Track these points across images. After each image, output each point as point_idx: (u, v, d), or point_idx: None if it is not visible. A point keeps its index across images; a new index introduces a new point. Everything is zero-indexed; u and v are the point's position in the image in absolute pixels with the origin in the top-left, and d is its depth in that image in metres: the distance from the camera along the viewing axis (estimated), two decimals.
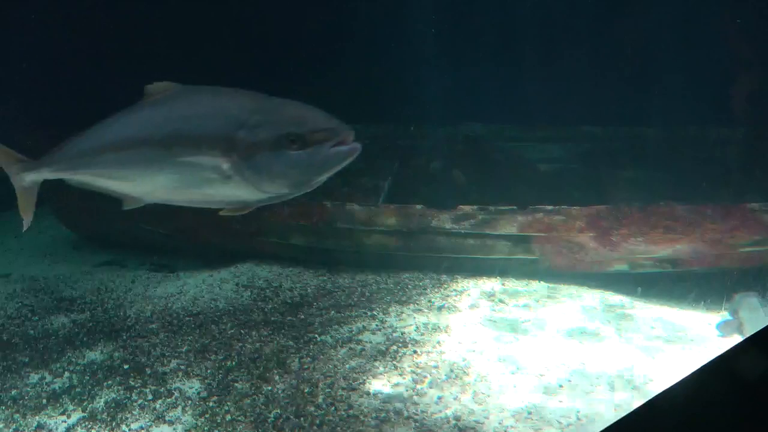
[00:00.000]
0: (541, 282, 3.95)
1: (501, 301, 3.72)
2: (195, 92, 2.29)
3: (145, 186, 2.35)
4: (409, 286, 3.93)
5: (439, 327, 3.43)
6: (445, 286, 3.93)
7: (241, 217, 4.38)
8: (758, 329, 3.22)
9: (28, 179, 2.53)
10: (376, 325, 3.47)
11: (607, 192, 4.45)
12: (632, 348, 3.19)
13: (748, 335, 3.18)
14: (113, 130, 2.38)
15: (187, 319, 3.70)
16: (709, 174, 4.28)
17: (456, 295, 3.79)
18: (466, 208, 4.01)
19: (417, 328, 3.42)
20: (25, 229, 2.63)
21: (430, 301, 3.74)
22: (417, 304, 3.71)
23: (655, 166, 4.55)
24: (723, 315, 3.44)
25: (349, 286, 3.97)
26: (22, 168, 2.52)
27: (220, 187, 2.22)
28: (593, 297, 3.79)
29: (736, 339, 3.22)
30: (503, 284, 3.93)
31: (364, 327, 3.46)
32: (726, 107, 4.45)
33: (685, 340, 3.27)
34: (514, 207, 3.94)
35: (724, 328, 3.29)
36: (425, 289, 3.88)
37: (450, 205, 4.08)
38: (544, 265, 3.96)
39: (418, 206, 4.09)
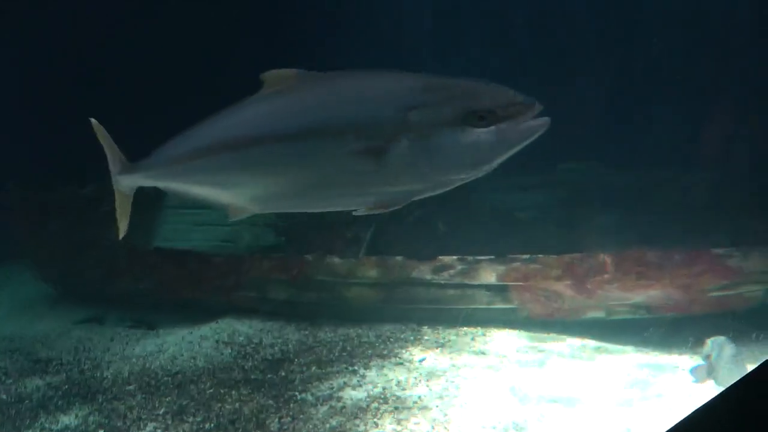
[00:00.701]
0: (521, 331, 3.99)
1: (482, 353, 3.75)
2: (332, 77, 1.98)
3: (264, 190, 2.04)
4: (391, 339, 3.94)
5: (419, 381, 3.43)
6: (426, 338, 3.95)
7: (221, 272, 4.46)
8: (728, 374, 3.27)
9: (123, 183, 2.37)
10: (357, 381, 3.46)
11: (583, 238, 4.56)
12: (610, 396, 3.22)
13: (720, 380, 3.25)
14: (226, 127, 2.05)
15: (166, 378, 3.65)
16: (680, 218, 4.42)
17: (437, 348, 3.81)
18: (446, 259, 4.07)
19: (398, 382, 3.42)
20: (120, 236, 2.43)
21: (411, 354, 3.75)
22: (398, 357, 3.72)
23: (629, 210, 4.68)
24: (696, 360, 3.50)
25: (330, 341, 3.96)
26: (120, 170, 2.37)
27: (369, 181, 1.91)
28: (571, 345, 3.83)
29: (708, 384, 3.28)
30: (484, 334, 3.96)
31: (345, 383, 3.45)
32: (696, 153, 4.64)
33: (661, 386, 3.32)
34: (492, 257, 4.01)
35: (696, 373, 3.34)
36: (406, 341, 3.90)
37: (430, 255, 4.14)
38: (523, 314, 4.01)
39: (398, 258, 4.14)
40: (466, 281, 4.04)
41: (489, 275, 4.00)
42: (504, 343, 3.88)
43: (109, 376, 3.74)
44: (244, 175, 2.05)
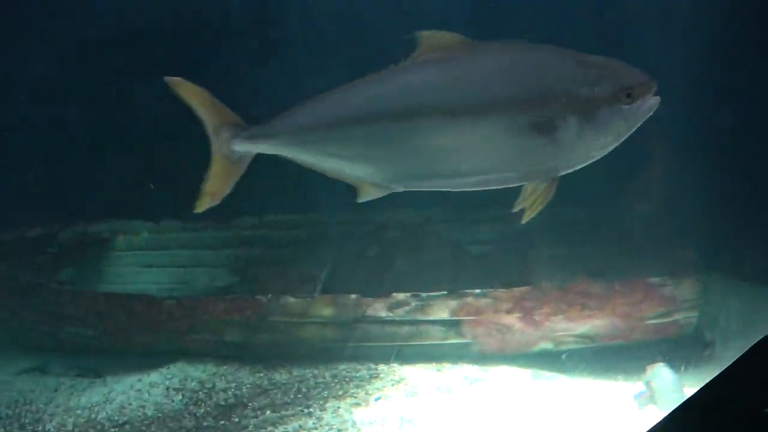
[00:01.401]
0: (475, 365, 4.08)
1: (437, 388, 3.81)
2: (492, 48, 1.88)
3: (413, 166, 1.90)
4: (347, 379, 3.95)
5: (375, 421, 3.45)
6: (382, 376, 3.98)
7: (172, 315, 4.37)
8: (668, 399, 3.45)
9: (238, 149, 2.04)
10: (313, 424, 3.44)
11: (533, 271, 4.73)
12: (558, 424, 3.33)
13: (660, 405, 3.42)
14: (378, 95, 1.87)
15: (113, 430, 3.53)
16: (622, 249, 4.67)
17: (393, 385, 3.85)
18: (400, 296, 4.14)
19: (354, 423, 3.43)
20: (200, 210, 2.07)
21: (367, 393, 3.77)
22: (354, 397, 3.73)
23: (576, 242, 4.90)
24: (639, 386, 3.67)
25: (286, 383, 3.94)
26: (235, 134, 2.04)
27: (535, 154, 1.84)
28: (523, 377, 3.95)
29: (651, 409, 3.44)
30: (439, 370, 4.03)
31: (300, 426, 3.42)
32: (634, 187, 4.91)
33: (606, 413, 3.46)
34: (446, 292, 4.11)
35: (640, 399, 3.51)
36: (362, 380, 3.92)
37: (384, 292, 4.21)
38: (476, 349, 4.11)
39: (353, 296, 4.18)
40: (420, 317, 4.12)
41: (442, 311, 4.09)
42: (458, 378, 3.95)
43: (51, 430, 3.59)
44: (392, 149, 1.87)
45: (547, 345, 4.05)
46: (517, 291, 4.03)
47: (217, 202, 2.16)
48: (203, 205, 2.18)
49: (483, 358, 4.11)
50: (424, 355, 4.13)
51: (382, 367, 4.08)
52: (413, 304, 4.13)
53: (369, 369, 4.05)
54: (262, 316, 4.26)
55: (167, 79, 2.06)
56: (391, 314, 4.14)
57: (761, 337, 1.45)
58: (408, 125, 1.83)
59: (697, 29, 4.34)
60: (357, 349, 4.17)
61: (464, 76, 1.83)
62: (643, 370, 3.70)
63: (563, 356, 3.98)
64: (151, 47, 5.46)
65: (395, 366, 4.07)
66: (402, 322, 4.13)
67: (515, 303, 4.01)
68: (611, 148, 1.95)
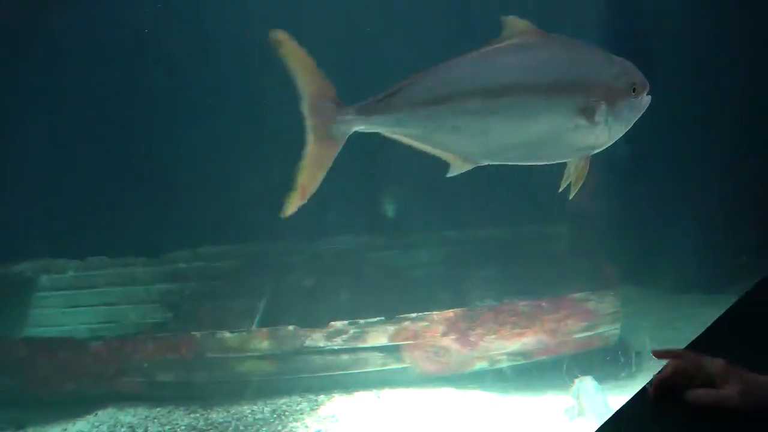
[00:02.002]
0: (414, 389, 4.14)
1: (376, 416, 3.83)
2: (553, 39, 2.08)
3: (498, 139, 2.02)
4: (286, 413, 3.90)
5: None
6: (323, 407, 3.96)
7: (100, 358, 4.18)
8: (595, 411, 3.62)
9: (338, 130, 1.93)
10: None
11: (467, 293, 4.87)
12: None
13: (588, 417, 3.60)
14: (478, 73, 2.00)
15: None
16: (547, 267, 4.89)
17: (333, 417, 3.84)
18: (338, 324, 4.15)
19: None
20: (290, 211, 1.86)
21: (306, 427, 3.73)
22: None
23: (505, 263, 5.08)
24: (568, 400, 3.84)
25: (223, 422, 3.84)
26: (335, 113, 1.92)
27: (583, 135, 2.08)
28: (463, 398, 4.04)
29: (580, 422, 3.61)
30: (379, 397, 4.05)
31: None
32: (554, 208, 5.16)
33: (542, 429, 3.60)
34: (383, 318, 4.16)
35: (570, 413, 3.67)
36: (302, 413, 3.88)
37: (322, 322, 4.21)
38: (416, 372, 4.17)
39: (290, 327, 4.16)
40: (359, 345, 4.14)
41: (381, 337, 4.14)
42: (399, 403, 3.99)
43: None
44: (486, 123, 2.00)
45: (484, 364, 4.17)
46: (452, 313, 4.14)
47: (306, 199, 1.98)
48: (294, 203, 2.01)
49: (422, 381, 4.18)
50: (364, 382, 4.15)
51: (322, 398, 4.06)
52: (352, 331, 4.15)
53: (309, 401, 4.02)
54: (198, 353, 4.15)
55: (271, 31, 1.88)
56: (329, 343, 4.14)
57: (684, 342, 1.59)
58: (504, 101, 2.04)
59: None
60: (297, 381, 4.14)
61: (543, 61, 2.08)
62: (571, 383, 3.88)
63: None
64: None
65: (335, 396, 4.06)
66: (341, 351, 4.14)
67: (450, 325, 4.11)
68: (619, 136, 2.22)
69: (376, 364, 4.15)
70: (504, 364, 4.15)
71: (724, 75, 4.32)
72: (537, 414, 3.77)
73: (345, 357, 4.15)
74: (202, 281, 5.44)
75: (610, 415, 1.42)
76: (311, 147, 1.99)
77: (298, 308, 4.62)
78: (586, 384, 3.64)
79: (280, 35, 1.86)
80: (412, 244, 5.51)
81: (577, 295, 4.08)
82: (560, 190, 2.20)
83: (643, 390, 1.48)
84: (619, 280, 4.25)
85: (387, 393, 4.09)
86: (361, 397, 4.05)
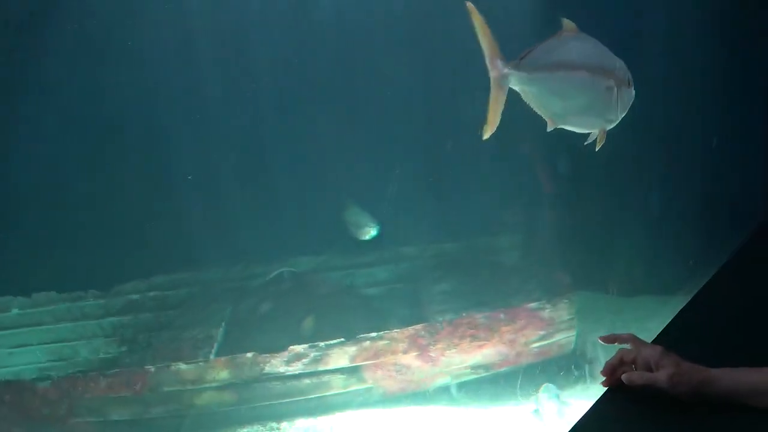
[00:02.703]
0: (379, 409, 4.12)
1: None
2: (588, 36, 2.67)
3: (567, 108, 2.64)
4: None
5: None
6: None
7: (48, 399, 4.00)
8: (556, 417, 3.69)
9: (505, 80, 2.51)
10: None
11: (426, 307, 4.90)
12: None
13: (550, 424, 3.67)
14: (561, 50, 2.59)
15: None
16: (502, 278, 4.98)
17: None
18: (297, 348, 4.10)
19: None
20: (487, 135, 2.51)
21: None
22: None
23: (461, 276, 5.14)
24: (530, 408, 3.91)
25: None
26: (503, 67, 2.50)
27: (607, 110, 2.66)
28: (425, 413, 4.05)
29: (544, 430, 3.67)
30: (342, 420, 4.02)
31: None
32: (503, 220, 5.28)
33: None
34: (343, 339, 4.14)
35: (534, 418, 3.73)
36: None
37: (281, 347, 4.15)
38: (379, 392, 4.16)
39: (249, 354, 4.08)
40: (321, 368, 4.10)
41: (342, 358, 4.11)
42: (363, 424, 3.96)
43: None
44: (565, 92, 2.61)
45: (446, 379, 4.20)
46: (412, 329, 4.16)
47: (494, 130, 2.57)
48: (488, 131, 2.60)
49: (386, 400, 4.16)
50: (327, 406, 4.11)
51: (284, 424, 3.99)
52: (312, 355, 4.11)
53: (271, 429, 3.94)
54: (153, 387, 4.03)
55: (468, 3, 2.47)
56: (290, 368, 4.08)
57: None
58: (578, 75, 2.64)
59: None
60: (258, 409, 4.06)
61: (589, 49, 2.69)
62: (532, 391, 3.95)
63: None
64: None
65: (298, 421, 4.00)
66: (302, 375, 4.09)
67: (410, 341, 4.12)
68: (621, 117, 2.75)
69: (337, 386, 4.11)
70: (467, 377, 4.18)
71: (667, 81, 4.50)
72: (501, 424, 3.81)
73: (306, 381, 4.10)
74: (156, 312, 5.29)
75: (569, 419, 1.48)
76: (493, 92, 2.58)
77: (257, 334, 4.55)
78: (547, 391, 3.72)
79: (470, 6, 2.48)
80: (372, 262, 5.52)
81: (532, 304, 4.17)
82: (585, 143, 2.78)
83: (606, 393, 1.56)
84: (572, 287, 4.36)
85: (350, 416, 4.05)
86: (324, 420, 4.00)
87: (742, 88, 4.39)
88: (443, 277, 5.03)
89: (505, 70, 2.53)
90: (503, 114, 2.53)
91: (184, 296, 5.40)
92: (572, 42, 2.64)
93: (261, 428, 3.97)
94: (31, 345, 5.25)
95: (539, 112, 2.65)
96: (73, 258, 5.34)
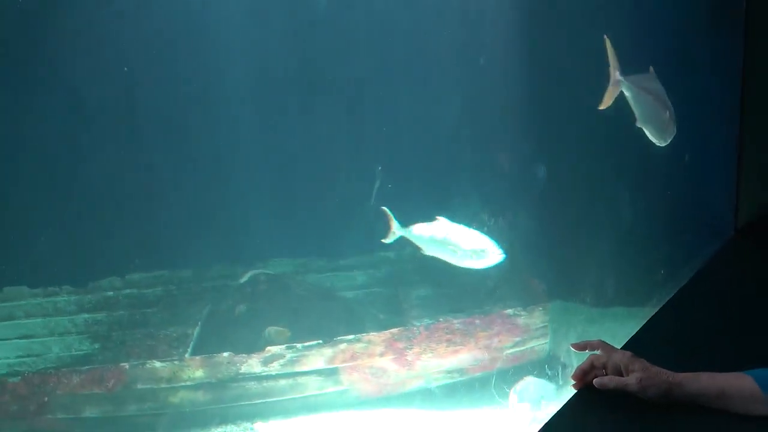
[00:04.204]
0: (354, 411, 4.14)
1: None
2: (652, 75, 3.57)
3: (640, 115, 3.50)
4: None
5: None
6: None
7: (18, 395, 3.92)
8: (528, 417, 3.72)
9: (620, 83, 3.45)
10: None
11: (403, 313, 4.93)
12: None
13: (521, 425, 3.73)
14: (648, 81, 3.49)
15: None
16: (479, 284, 5.04)
17: None
18: (274, 349, 4.10)
19: None
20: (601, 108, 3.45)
21: None
22: None
23: (439, 282, 5.20)
24: (506, 409, 3.97)
25: None
26: (620, 75, 3.46)
27: (658, 129, 3.56)
28: (400, 416, 4.08)
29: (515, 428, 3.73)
30: (316, 422, 4.02)
31: None
32: None
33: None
34: (320, 341, 4.15)
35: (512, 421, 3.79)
36: None
37: (258, 347, 4.14)
38: (354, 394, 4.18)
39: (225, 354, 4.07)
40: (297, 369, 4.11)
41: (318, 360, 4.13)
42: (338, 426, 3.98)
43: None
44: (642, 106, 3.51)
45: (421, 383, 4.24)
46: (389, 333, 4.19)
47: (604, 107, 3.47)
48: (602, 107, 3.51)
49: (361, 403, 4.19)
50: (302, 407, 4.11)
51: (259, 424, 3.98)
52: (289, 356, 4.11)
53: (245, 429, 3.93)
54: (127, 385, 3.98)
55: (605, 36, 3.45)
56: (266, 369, 4.08)
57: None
58: (653, 101, 3.59)
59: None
60: (233, 409, 4.04)
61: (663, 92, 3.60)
62: (506, 393, 4.01)
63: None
64: None
65: (273, 423, 4.00)
66: (278, 376, 4.09)
67: (387, 345, 4.16)
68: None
69: (314, 388, 4.12)
70: (443, 382, 4.23)
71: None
72: (478, 425, 3.86)
73: (283, 382, 4.10)
74: (131, 309, 5.22)
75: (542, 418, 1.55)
76: (610, 88, 3.49)
77: (233, 334, 4.53)
78: (528, 384, 3.79)
79: (606, 38, 3.43)
80: (352, 266, 5.54)
81: (507, 311, 4.25)
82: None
83: (576, 394, 1.62)
84: (547, 296, 4.45)
85: (325, 418, 4.06)
86: (300, 421, 4.01)
87: (713, 97, 4.58)
88: (421, 282, 5.08)
89: (620, 78, 3.48)
90: None
91: (159, 295, 5.35)
92: (654, 81, 3.56)
93: (235, 428, 3.96)
94: (1, 340, 5.14)
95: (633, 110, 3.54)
96: (47, 253, 5.25)
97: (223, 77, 5.51)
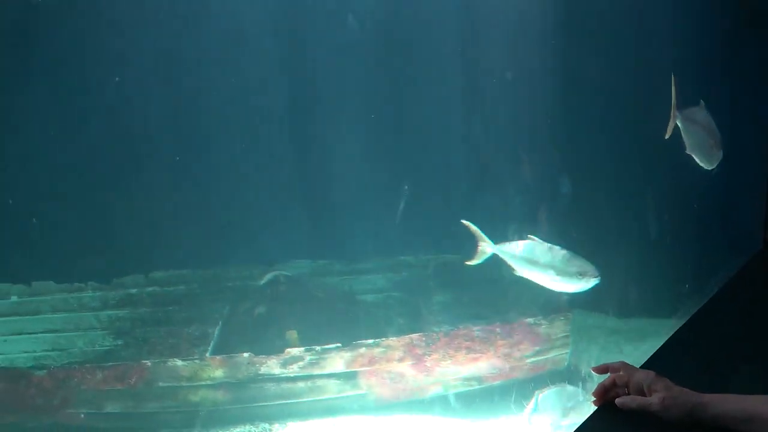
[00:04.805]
0: (371, 416, 4.14)
1: None
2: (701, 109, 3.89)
3: (690, 144, 3.82)
4: None
5: None
6: None
7: (43, 389, 4.01)
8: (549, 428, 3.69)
9: (677, 117, 3.76)
10: None
11: (424, 316, 4.93)
12: None
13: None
14: (697, 113, 3.83)
15: None
16: (500, 291, 5.01)
17: None
18: (294, 351, 4.13)
19: None
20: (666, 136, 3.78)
21: None
22: None
23: (460, 288, 5.17)
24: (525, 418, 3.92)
25: None
26: (677, 111, 3.77)
27: (705, 157, 3.89)
28: (418, 422, 4.07)
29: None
30: (335, 425, 4.04)
31: None
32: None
33: None
34: (339, 344, 4.16)
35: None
36: None
37: (278, 349, 4.17)
38: (371, 399, 4.18)
39: (245, 354, 4.11)
40: (316, 372, 4.13)
41: (337, 363, 4.14)
42: (355, 431, 3.98)
43: None
44: (692, 135, 3.82)
45: (439, 390, 4.22)
46: (408, 338, 4.19)
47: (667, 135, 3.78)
48: (667, 134, 3.81)
49: (379, 408, 4.19)
50: (320, 410, 4.12)
51: (277, 426, 4.01)
52: (308, 358, 4.13)
53: (263, 430, 3.96)
54: (148, 382, 4.04)
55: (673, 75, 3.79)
56: (285, 371, 4.11)
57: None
58: (702, 132, 3.93)
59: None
60: (252, 410, 4.08)
61: (713, 124, 3.93)
62: (525, 403, 3.97)
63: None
64: None
65: (290, 423, 4.02)
66: (297, 378, 4.11)
67: (406, 350, 4.15)
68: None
69: (332, 391, 4.14)
70: (460, 389, 4.21)
71: (664, 107, 4.58)
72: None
73: (301, 384, 4.12)
74: (154, 307, 5.31)
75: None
76: (672, 121, 3.80)
77: (253, 334, 4.57)
78: (550, 394, 3.75)
79: (674, 78, 3.79)
80: (371, 270, 5.55)
81: (529, 319, 4.21)
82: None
83: (596, 411, 1.60)
84: (569, 305, 4.40)
85: (343, 421, 4.07)
86: (317, 424, 4.02)
87: (742, 110, 4.56)
88: (442, 288, 5.06)
89: (678, 114, 3.78)
90: None
91: (181, 293, 5.43)
92: (703, 112, 3.86)
93: (253, 429, 3.99)
94: (28, 333, 5.26)
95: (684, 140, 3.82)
96: (74, 250, 5.37)
97: (249, 79, 5.58)
